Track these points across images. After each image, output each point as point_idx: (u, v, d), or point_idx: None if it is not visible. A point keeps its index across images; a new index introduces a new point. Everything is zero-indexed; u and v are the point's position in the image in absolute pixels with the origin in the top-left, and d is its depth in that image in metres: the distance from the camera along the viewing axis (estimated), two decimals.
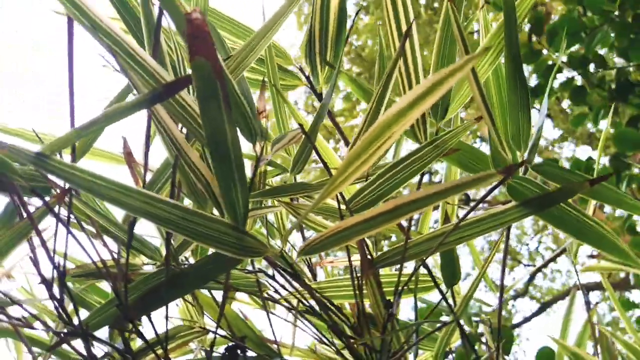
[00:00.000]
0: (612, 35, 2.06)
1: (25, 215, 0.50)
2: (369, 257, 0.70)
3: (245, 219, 0.54)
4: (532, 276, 4.72)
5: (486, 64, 0.64)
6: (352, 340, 0.67)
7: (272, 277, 0.71)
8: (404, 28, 0.63)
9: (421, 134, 0.68)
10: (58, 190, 0.59)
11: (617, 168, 1.83)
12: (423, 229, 0.85)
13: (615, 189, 0.63)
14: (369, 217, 0.50)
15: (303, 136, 0.66)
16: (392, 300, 0.65)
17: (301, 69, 0.82)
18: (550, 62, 2.35)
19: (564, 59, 2.27)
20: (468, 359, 0.96)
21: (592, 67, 2.28)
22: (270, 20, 0.63)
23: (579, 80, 2.35)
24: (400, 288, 0.66)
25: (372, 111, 0.61)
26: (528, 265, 5.34)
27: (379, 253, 0.70)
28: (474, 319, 1.13)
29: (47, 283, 0.55)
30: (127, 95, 0.61)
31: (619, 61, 2.28)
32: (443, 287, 0.79)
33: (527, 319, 4.62)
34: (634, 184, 1.87)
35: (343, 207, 0.65)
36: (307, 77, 0.79)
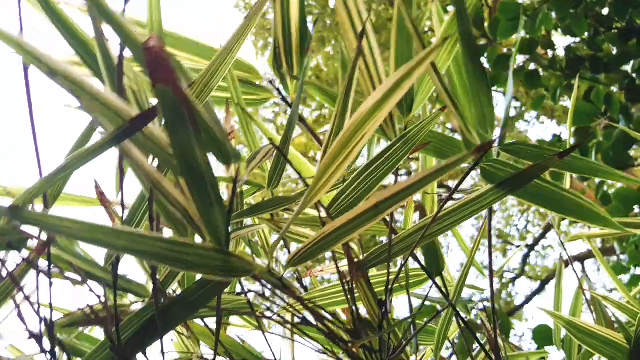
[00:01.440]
0: (553, 14, 2.12)
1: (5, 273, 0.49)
2: (355, 260, 0.70)
3: (228, 241, 0.53)
4: (526, 256, 4.78)
5: (444, 54, 0.66)
6: (349, 344, 0.67)
7: (263, 295, 0.71)
8: (359, 29, 0.64)
9: (390, 131, 0.69)
10: (34, 241, 0.58)
11: (579, 140, 1.88)
12: (407, 224, 0.86)
13: (586, 159, 0.65)
14: (349, 219, 0.51)
15: (275, 151, 0.67)
16: (384, 299, 0.65)
17: (272, 82, 0.82)
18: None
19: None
20: (468, 345, 0.97)
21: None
22: (231, 39, 0.63)
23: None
24: (390, 286, 0.66)
25: (338, 116, 0.61)
26: (519, 246, 5.41)
27: (366, 254, 0.71)
28: (470, 305, 1.14)
29: (36, 337, 0.54)
30: (92, 133, 0.61)
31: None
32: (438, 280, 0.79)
33: (528, 299, 4.66)
34: (602, 152, 1.92)
35: (324, 214, 0.66)
36: (278, 89, 0.79)
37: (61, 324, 0.68)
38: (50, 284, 0.56)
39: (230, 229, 0.54)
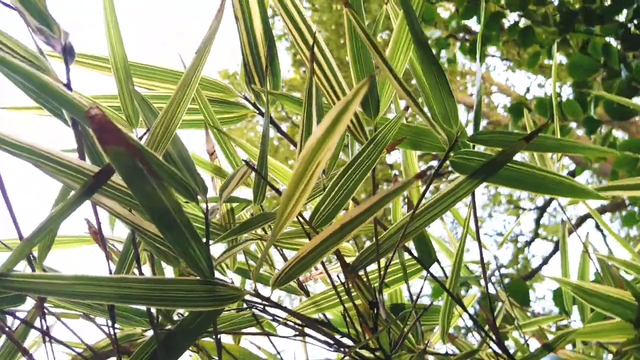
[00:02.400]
0: None
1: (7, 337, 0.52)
2: (348, 261, 0.72)
3: (212, 271, 0.55)
4: (539, 218, 4.73)
5: (400, 55, 0.66)
6: (351, 345, 0.69)
7: (263, 310, 0.73)
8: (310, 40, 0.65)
9: (360, 135, 0.70)
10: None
11: (579, 96, 1.85)
12: (396, 217, 0.87)
13: (554, 137, 0.65)
14: (326, 236, 0.52)
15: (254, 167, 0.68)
16: (375, 299, 0.67)
17: (247, 98, 0.83)
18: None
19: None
20: (488, 310, 0.98)
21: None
22: (189, 67, 0.64)
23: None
24: (380, 283, 0.67)
25: (304, 129, 0.63)
26: (532, 209, 5.34)
27: (357, 254, 0.72)
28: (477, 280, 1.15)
29: None
30: (68, 192, 0.63)
31: None
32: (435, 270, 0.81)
33: (545, 260, 4.63)
34: (604, 103, 1.89)
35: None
36: (254, 104, 0.80)
37: None
38: (51, 339, 0.59)
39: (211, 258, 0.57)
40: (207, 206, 0.54)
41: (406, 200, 0.81)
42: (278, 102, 0.80)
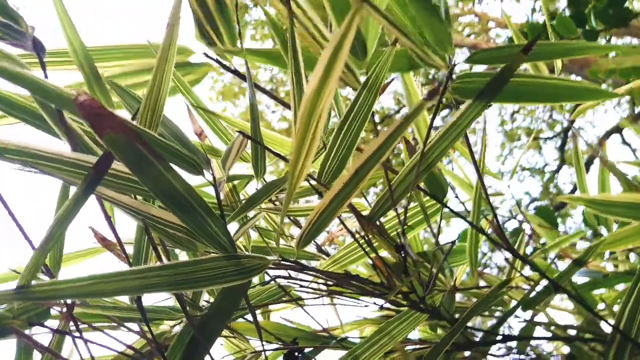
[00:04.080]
0: None
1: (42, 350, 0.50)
2: (364, 214, 0.70)
3: (233, 245, 0.54)
4: (562, 145, 4.69)
5: None
6: (386, 293, 0.68)
7: (289, 277, 0.72)
8: None
9: (353, 81, 0.67)
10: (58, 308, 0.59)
11: (575, 12, 1.81)
12: (407, 158, 0.85)
13: (558, 42, 0.63)
14: (339, 188, 0.50)
15: (248, 140, 0.66)
16: (401, 243, 0.66)
17: (206, 54, 0.79)
18: None
19: None
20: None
21: None
22: (164, 40, 0.61)
23: None
24: (402, 229, 0.66)
25: (295, 85, 0.60)
26: (552, 137, 5.25)
27: (373, 204, 0.71)
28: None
29: None
30: (68, 190, 0.60)
31: None
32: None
33: (575, 187, 4.58)
34: (599, 12, 1.84)
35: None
36: (217, 61, 0.76)
37: None
38: (85, 341, 0.57)
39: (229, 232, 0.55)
40: (214, 178, 0.52)
41: (410, 141, 0.80)
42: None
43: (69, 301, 0.59)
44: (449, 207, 0.78)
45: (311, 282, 0.73)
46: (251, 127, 0.64)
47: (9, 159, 0.42)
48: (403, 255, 0.65)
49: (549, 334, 0.98)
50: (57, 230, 0.47)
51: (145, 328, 0.64)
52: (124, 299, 0.67)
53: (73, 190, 0.63)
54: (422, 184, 0.79)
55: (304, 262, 0.83)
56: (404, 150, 0.92)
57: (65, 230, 0.49)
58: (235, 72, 0.77)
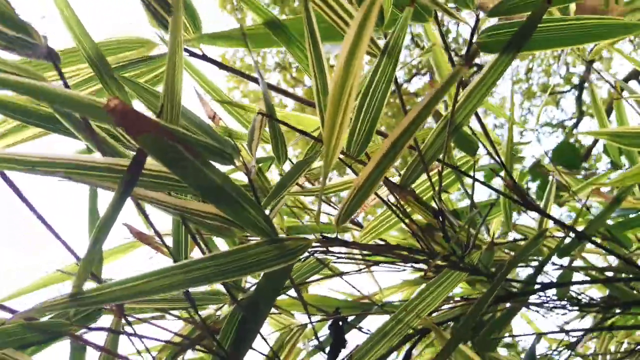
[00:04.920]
0: None
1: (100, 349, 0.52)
2: (396, 182, 0.70)
3: (273, 229, 0.54)
4: (579, 96, 4.56)
5: None
6: (429, 261, 0.68)
7: (327, 251, 0.72)
8: None
9: (373, 48, 0.66)
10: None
11: None
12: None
13: None
14: (375, 165, 0.50)
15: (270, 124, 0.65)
16: (439, 207, 0.65)
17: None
18: None
19: None
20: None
21: None
22: (171, 26, 0.60)
23: None
24: (438, 194, 0.66)
25: (315, 64, 0.59)
26: (568, 90, 5.11)
27: (403, 171, 0.70)
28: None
29: None
30: (96, 195, 0.61)
31: None
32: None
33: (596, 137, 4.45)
34: None
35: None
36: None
37: (168, 356, 0.72)
38: (139, 337, 0.58)
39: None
40: (245, 165, 0.52)
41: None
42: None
43: None
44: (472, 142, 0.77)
45: (349, 253, 0.74)
46: (266, 107, 0.63)
47: (41, 172, 0.42)
48: (441, 219, 0.64)
49: (587, 279, 0.99)
50: (101, 237, 0.48)
51: (194, 315, 0.65)
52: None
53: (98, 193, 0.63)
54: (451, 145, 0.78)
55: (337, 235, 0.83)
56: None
57: (107, 235, 0.50)
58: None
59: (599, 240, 1.05)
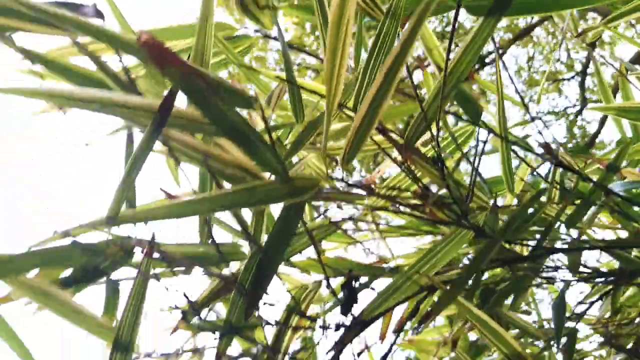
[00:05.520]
0: None
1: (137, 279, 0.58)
2: (399, 142, 0.76)
3: (285, 169, 0.60)
4: (582, 82, 4.52)
5: None
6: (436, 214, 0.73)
7: (339, 207, 0.78)
8: None
9: (376, 11, 0.72)
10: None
11: None
12: (428, 85, 0.90)
13: None
14: (372, 97, 0.56)
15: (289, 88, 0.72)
16: (439, 157, 0.70)
17: (246, 27, 0.86)
18: None
19: None
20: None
21: None
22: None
23: None
24: (438, 151, 0.71)
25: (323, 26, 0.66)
26: (570, 78, 5.08)
27: (407, 130, 0.76)
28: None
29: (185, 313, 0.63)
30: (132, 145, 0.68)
31: None
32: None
33: (602, 122, 4.35)
34: None
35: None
36: (258, 31, 0.83)
37: (202, 299, 0.79)
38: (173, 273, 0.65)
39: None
40: (262, 111, 0.59)
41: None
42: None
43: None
44: (484, 125, 0.82)
45: (360, 215, 0.80)
46: (286, 74, 0.70)
47: (79, 106, 0.50)
48: (440, 166, 0.70)
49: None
50: (135, 167, 0.55)
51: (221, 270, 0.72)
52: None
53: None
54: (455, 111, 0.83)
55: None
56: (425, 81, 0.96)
57: (141, 169, 0.57)
58: (269, 37, 0.83)
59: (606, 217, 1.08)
